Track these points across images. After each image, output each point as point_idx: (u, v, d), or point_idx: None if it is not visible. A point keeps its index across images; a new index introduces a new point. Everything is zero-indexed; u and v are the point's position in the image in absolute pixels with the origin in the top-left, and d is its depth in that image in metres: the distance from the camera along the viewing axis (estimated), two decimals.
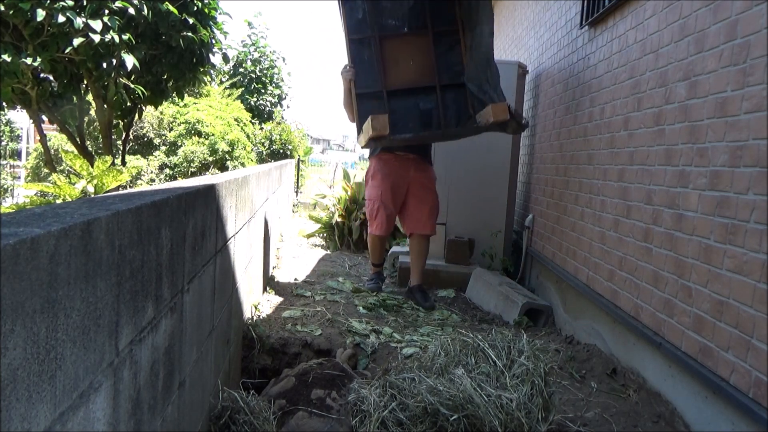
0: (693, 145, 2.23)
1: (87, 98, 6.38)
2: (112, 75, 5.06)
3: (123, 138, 7.33)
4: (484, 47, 3.55)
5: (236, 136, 11.25)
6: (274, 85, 17.26)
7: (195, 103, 11.99)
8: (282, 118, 16.32)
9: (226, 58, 7.79)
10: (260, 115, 16.19)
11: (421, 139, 3.97)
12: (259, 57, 17.20)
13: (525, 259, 4.63)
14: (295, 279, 4.35)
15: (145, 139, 11.48)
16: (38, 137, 7.14)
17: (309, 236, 6.64)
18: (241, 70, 16.79)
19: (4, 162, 14.61)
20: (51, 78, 5.40)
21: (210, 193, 1.82)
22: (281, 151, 12.78)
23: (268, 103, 16.91)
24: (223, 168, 10.74)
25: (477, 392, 1.82)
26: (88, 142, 8.53)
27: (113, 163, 4.84)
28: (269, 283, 4.10)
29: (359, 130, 3.95)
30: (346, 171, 7.58)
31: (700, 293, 2.10)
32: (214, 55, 6.27)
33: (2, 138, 14.89)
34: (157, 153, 11.18)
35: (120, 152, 7.42)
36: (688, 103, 2.29)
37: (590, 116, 3.44)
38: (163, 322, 1.31)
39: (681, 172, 2.30)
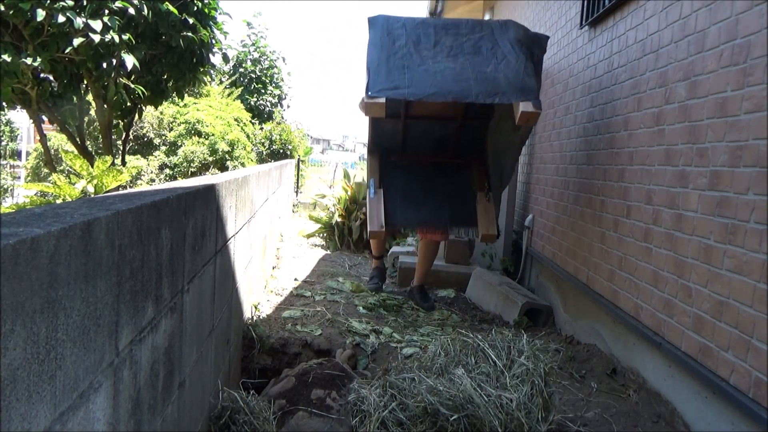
0: (693, 145, 2.23)
1: (87, 98, 6.38)
2: (112, 75, 5.05)
3: (123, 138, 7.33)
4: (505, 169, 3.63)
5: (236, 136, 11.25)
6: (274, 85, 17.25)
7: (195, 103, 11.99)
8: (282, 118, 16.32)
9: (226, 58, 7.79)
10: (260, 115, 16.18)
11: (419, 226, 4.01)
12: (259, 57, 17.20)
13: (525, 259, 4.63)
14: (295, 279, 4.35)
15: (145, 139, 11.48)
16: (38, 137, 7.14)
17: (309, 236, 6.64)
18: (241, 70, 16.78)
19: (4, 162, 14.61)
20: (51, 78, 5.40)
21: (210, 193, 1.82)
22: (281, 151, 12.78)
23: (268, 103, 16.90)
24: (223, 168, 10.74)
25: (477, 392, 1.82)
26: (88, 142, 8.52)
27: (113, 163, 4.83)
28: (269, 283, 4.10)
29: (370, 148, 3.97)
30: (347, 171, 7.58)
31: (700, 293, 2.09)
32: (214, 55, 6.27)
33: (2, 138, 14.89)
34: (157, 153, 11.18)
35: (120, 152, 7.41)
36: (688, 103, 2.29)
37: (590, 116, 3.44)
38: (163, 322, 1.31)
39: (681, 172, 2.30)
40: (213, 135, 11.02)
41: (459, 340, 2.18)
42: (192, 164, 10.64)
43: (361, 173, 7.63)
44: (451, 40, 3.12)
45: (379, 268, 4.35)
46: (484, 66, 3.02)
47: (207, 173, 10.27)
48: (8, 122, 15.26)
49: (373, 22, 3.24)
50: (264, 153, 12.66)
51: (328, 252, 5.88)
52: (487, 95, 2.91)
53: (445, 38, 3.12)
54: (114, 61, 4.78)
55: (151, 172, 10.75)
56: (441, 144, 4.02)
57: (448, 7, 8.61)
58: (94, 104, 6.19)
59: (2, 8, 4.15)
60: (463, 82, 2.93)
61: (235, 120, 12.26)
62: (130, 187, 7.84)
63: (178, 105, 11.32)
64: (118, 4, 4.65)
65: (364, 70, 3.34)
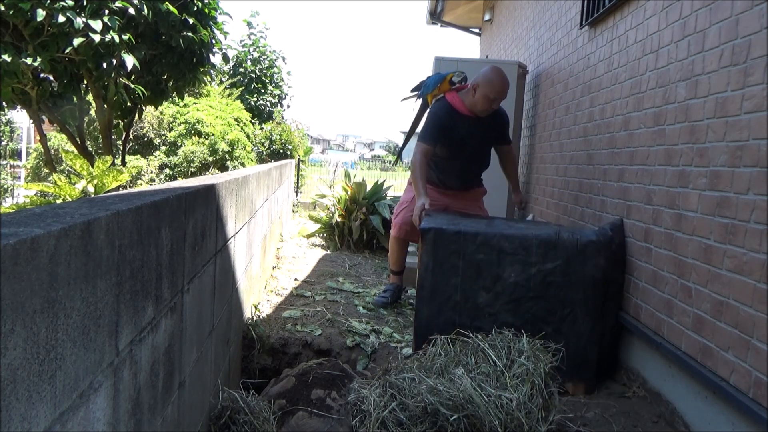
0: (693, 145, 2.23)
1: (87, 98, 6.38)
2: (112, 75, 5.05)
3: (123, 138, 7.33)
4: None
5: (236, 136, 11.24)
6: (274, 84, 17.24)
7: (195, 103, 11.98)
8: (282, 118, 16.31)
9: (226, 58, 7.79)
10: (260, 115, 16.17)
11: None
12: (259, 57, 17.20)
13: None
14: (295, 279, 4.35)
15: (145, 139, 11.47)
16: (38, 137, 7.14)
17: (309, 236, 6.64)
18: (241, 70, 16.77)
19: (4, 162, 14.60)
20: (51, 78, 5.39)
21: (210, 193, 1.82)
22: (281, 151, 12.77)
23: (268, 103, 16.89)
24: (223, 168, 10.74)
25: (477, 392, 1.82)
26: (88, 142, 8.52)
27: (113, 163, 4.83)
28: (269, 283, 4.10)
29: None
30: (347, 171, 7.58)
31: (700, 293, 2.09)
32: (214, 55, 6.27)
33: (2, 138, 14.89)
34: (157, 153, 11.17)
35: (120, 152, 7.41)
36: (688, 103, 2.29)
37: (590, 116, 3.44)
38: (163, 322, 1.31)
39: (681, 172, 2.30)
40: (213, 135, 11.02)
41: (459, 340, 2.18)
42: (192, 164, 10.64)
43: (361, 173, 7.61)
44: (518, 270, 2.60)
45: (398, 285, 3.85)
46: (546, 322, 2.59)
47: (207, 173, 10.27)
48: (8, 122, 15.26)
49: (424, 234, 2.68)
50: (264, 153, 12.66)
51: (328, 252, 5.88)
52: None
53: (511, 267, 2.61)
54: (114, 61, 4.78)
55: (151, 172, 10.75)
56: None
57: (448, 7, 8.62)
58: (94, 104, 6.19)
59: (2, 8, 4.15)
60: None
61: (235, 120, 12.25)
62: (130, 187, 7.84)
63: (178, 105, 11.31)
64: (118, 4, 4.65)
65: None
